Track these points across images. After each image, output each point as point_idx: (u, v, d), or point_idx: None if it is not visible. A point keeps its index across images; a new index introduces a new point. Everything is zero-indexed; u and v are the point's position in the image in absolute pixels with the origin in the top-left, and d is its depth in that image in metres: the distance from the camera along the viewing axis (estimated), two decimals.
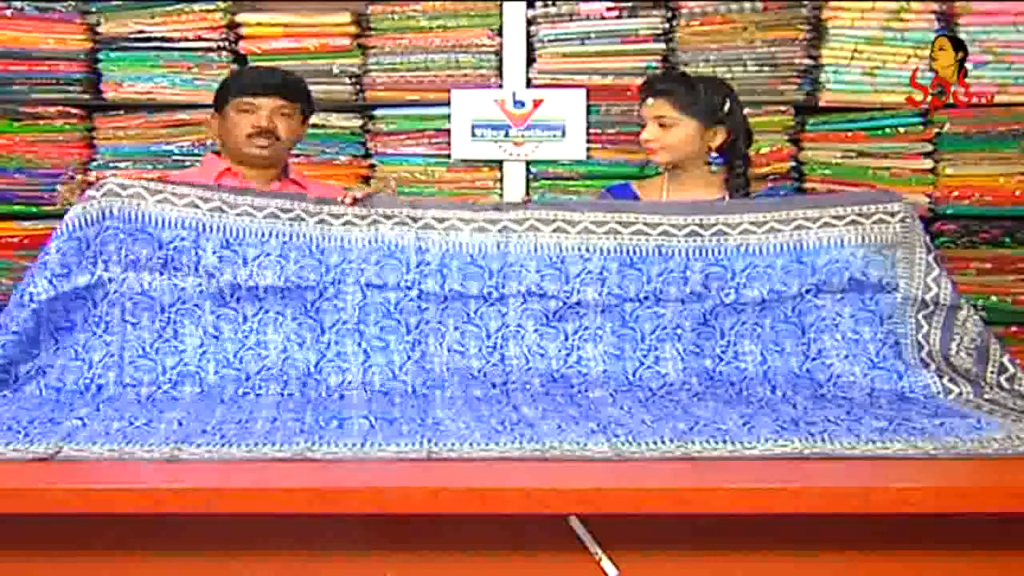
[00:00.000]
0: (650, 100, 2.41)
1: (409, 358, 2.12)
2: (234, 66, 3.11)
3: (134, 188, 2.13)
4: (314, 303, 2.15)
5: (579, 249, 2.18)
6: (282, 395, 2.05)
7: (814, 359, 2.09)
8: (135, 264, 2.10)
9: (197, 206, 2.14)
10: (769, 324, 2.13)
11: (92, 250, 2.08)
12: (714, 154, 2.48)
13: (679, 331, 2.13)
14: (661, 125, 2.39)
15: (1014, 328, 3.07)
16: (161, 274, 2.11)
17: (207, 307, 2.12)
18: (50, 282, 2.03)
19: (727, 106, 2.42)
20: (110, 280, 2.09)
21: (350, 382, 2.10)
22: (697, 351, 2.12)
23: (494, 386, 2.08)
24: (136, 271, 2.10)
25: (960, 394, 2.00)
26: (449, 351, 2.12)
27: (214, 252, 2.12)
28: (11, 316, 2.03)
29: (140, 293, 2.10)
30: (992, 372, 2.03)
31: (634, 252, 2.17)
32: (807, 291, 2.13)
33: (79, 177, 2.21)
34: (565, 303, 2.14)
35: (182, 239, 2.11)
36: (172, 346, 2.09)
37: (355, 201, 2.19)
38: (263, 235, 2.15)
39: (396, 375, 2.11)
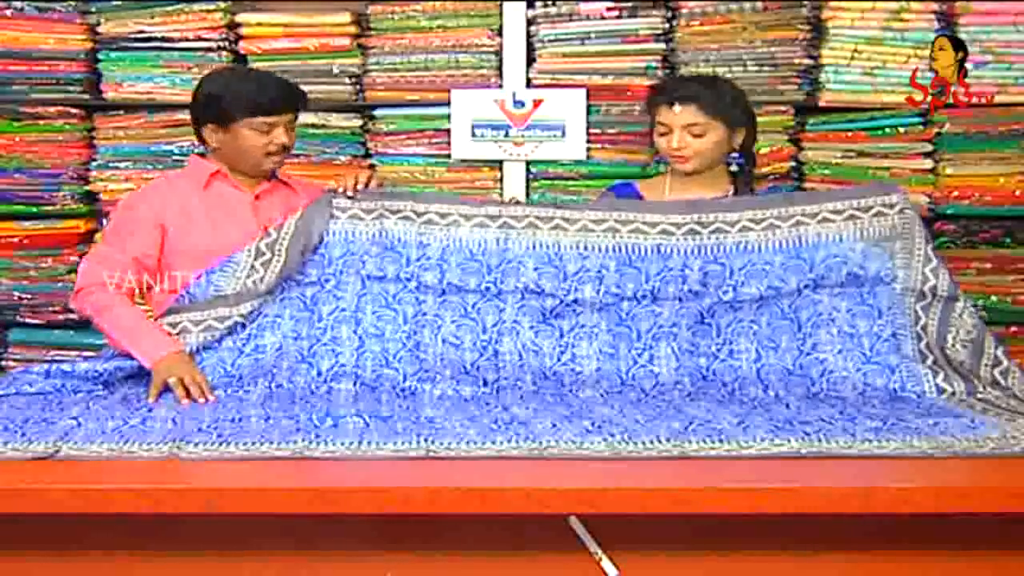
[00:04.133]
0: (677, 107, 2.36)
1: (403, 346, 2.13)
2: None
3: None
4: (314, 296, 2.18)
5: (577, 247, 2.19)
6: (270, 388, 2.06)
7: (808, 354, 2.10)
8: None
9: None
10: (766, 321, 2.14)
11: None
12: (734, 154, 2.46)
13: (675, 329, 2.13)
14: (692, 133, 2.35)
15: (1014, 328, 3.06)
16: None
17: None
18: None
19: (744, 105, 2.42)
20: None
21: (343, 365, 2.10)
22: (692, 349, 2.12)
23: (485, 383, 2.09)
24: None
25: (953, 393, 2.00)
26: (444, 343, 2.13)
27: None
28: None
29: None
30: (986, 365, 2.03)
31: (633, 251, 2.18)
32: (805, 286, 2.13)
33: None
34: (562, 301, 2.15)
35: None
36: None
37: (355, 191, 2.26)
38: None
39: (389, 362, 2.12)
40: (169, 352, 2.09)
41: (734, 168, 2.50)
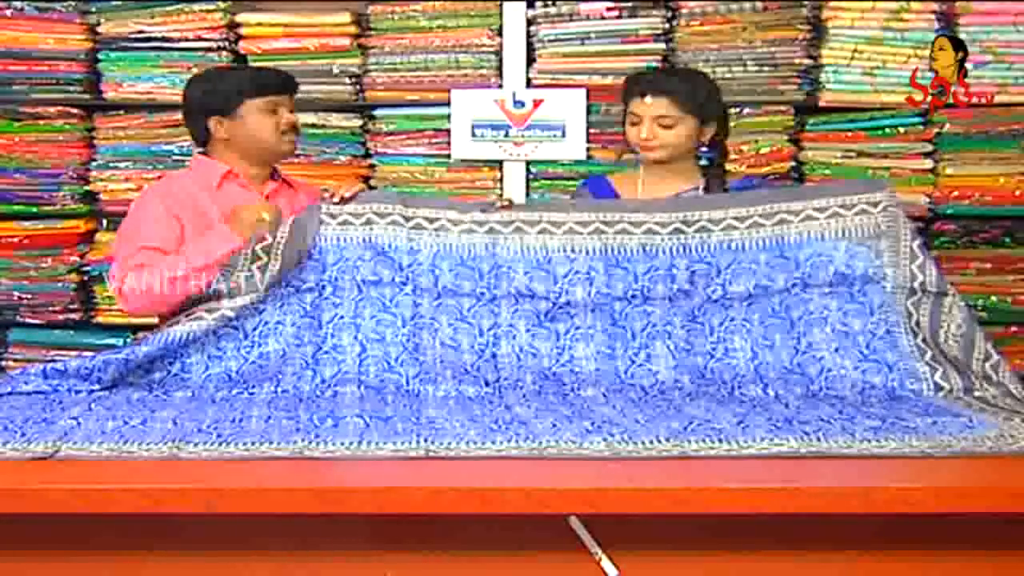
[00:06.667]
0: (649, 99, 2.37)
1: (404, 349, 2.14)
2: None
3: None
4: (313, 302, 2.18)
5: (565, 250, 2.20)
6: (275, 392, 2.06)
7: (804, 353, 2.10)
8: None
9: None
10: (758, 319, 2.14)
11: None
12: (703, 148, 2.49)
13: (668, 328, 2.14)
14: (662, 125, 2.37)
15: (1014, 328, 3.07)
16: None
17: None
18: None
19: (718, 100, 2.43)
20: None
21: (346, 372, 2.11)
22: (688, 348, 2.13)
23: (487, 383, 2.10)
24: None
25: (951, 391, 2.01)
26: (442, 345, 2.14)
27: None
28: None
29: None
30: (978, 359, 2.03)
31: (619, 251, 2.19)
32: (793, 285, 2.14)
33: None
34: (555, 303, 2.16)
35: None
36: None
37: (343, 200, 2.23)
38: None
39: (391, 366, 2.13)
40: (228, 226, 2.23)
41: (704, 161, 2.52)
